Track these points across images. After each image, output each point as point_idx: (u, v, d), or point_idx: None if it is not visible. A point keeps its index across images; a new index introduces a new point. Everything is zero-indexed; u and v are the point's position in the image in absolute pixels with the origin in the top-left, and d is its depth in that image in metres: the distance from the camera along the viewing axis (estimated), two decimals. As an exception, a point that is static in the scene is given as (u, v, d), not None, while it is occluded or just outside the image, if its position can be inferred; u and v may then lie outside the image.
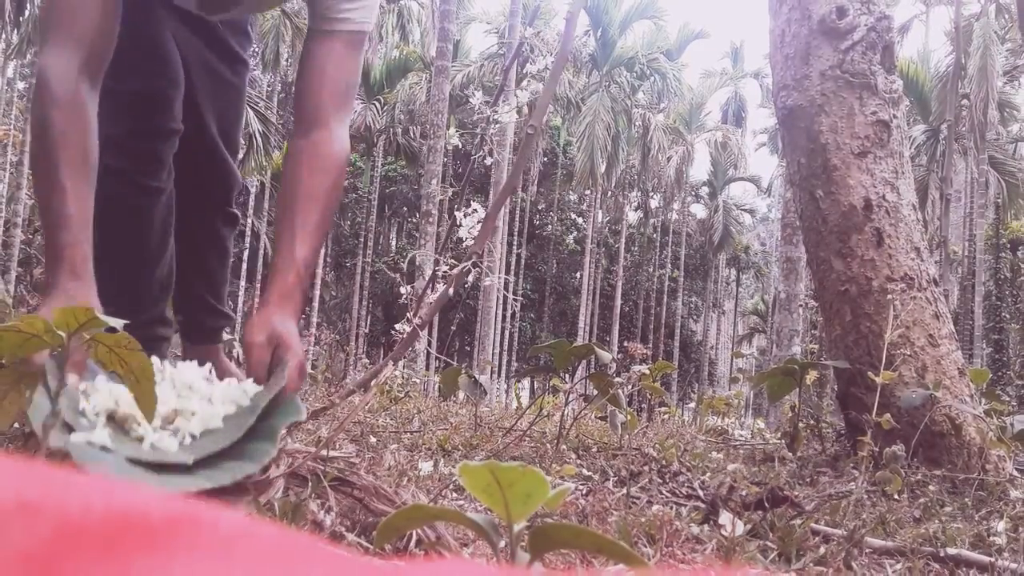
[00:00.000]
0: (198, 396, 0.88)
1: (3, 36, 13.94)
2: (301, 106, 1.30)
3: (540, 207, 29.97)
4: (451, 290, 1.32)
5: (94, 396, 0.83)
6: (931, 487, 1.55)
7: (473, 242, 1.34)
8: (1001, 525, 1.27)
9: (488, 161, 1.46)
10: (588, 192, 28.19)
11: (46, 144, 1.12)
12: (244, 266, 21.34)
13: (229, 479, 0.77)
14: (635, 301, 30.28)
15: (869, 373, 1.76)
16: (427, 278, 1.36)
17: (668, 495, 1.44)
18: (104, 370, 0.84)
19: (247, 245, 21.31)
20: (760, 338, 36.28)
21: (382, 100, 22.71)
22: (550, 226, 29.26)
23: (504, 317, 25.11)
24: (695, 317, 34.32)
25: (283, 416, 0.90)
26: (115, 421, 0.83)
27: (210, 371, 0.95)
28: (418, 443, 1.73)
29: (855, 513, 1.28)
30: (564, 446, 1.86)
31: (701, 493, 1.44)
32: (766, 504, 1.19)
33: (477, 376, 2.25)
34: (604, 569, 0.76)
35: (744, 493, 1.24)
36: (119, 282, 1.44)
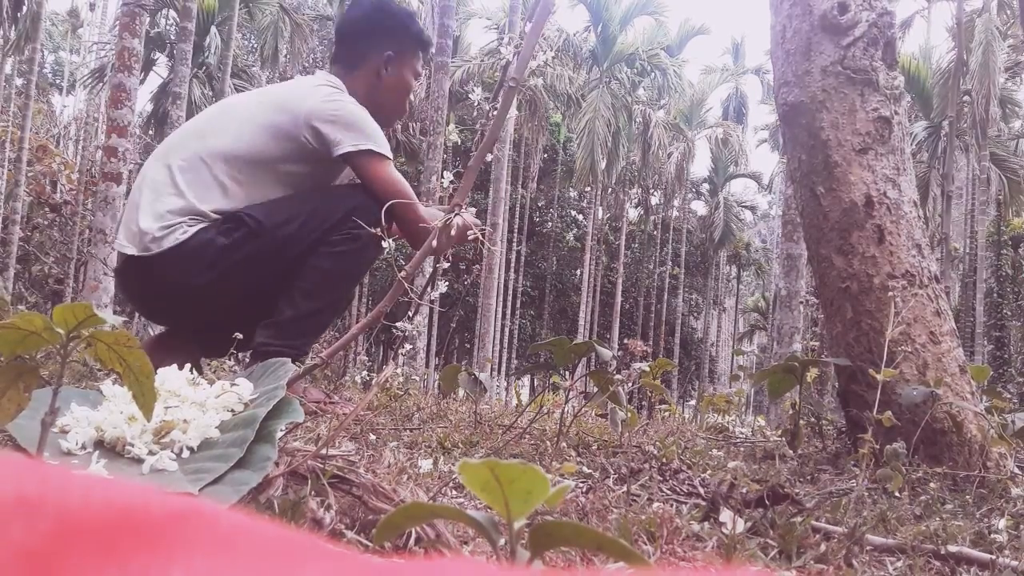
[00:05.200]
0: (188, 403, 0.87)
1: (1, 32, 13.91)
2: None
3: (540, 204, 29.94)
4: (434, 242, 1.31)
5: (74, 431, 0.81)
6: (932, 484, 1.55)
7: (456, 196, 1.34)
8: (1002, 523, 1.27)
9: (488, 158, 1.46)
10: (588, 189, 28.16)
11: None
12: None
13: (235, 496, 0.76)
14: (635, 298, 30.27)
15: (870, 370, 1.75)
16: (427, 276, 1.36)
17: (668, 493, 1.44)
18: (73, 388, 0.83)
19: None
20: (761, 335, 36.27)
21: (382, 97, 22.63)
22: (550, 223, 29.23)
23: (504, 314, 25.09)
24: (696, 314, 34.31)
25: (281, 417, 0.89)
26: (105, 446, 0.82)
27: (191, 372, 0.92)
28: (417, 441, 1.72)
29: (856, 511, 1.28)
30: (564, 444, 1.86)
31: (702, 491, 1.44)
32: (767, 502, 1.19)
33: (477, 373, 2.25)
34: (604, 567, 0.75)
35: (745, 491, 1.24)
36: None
